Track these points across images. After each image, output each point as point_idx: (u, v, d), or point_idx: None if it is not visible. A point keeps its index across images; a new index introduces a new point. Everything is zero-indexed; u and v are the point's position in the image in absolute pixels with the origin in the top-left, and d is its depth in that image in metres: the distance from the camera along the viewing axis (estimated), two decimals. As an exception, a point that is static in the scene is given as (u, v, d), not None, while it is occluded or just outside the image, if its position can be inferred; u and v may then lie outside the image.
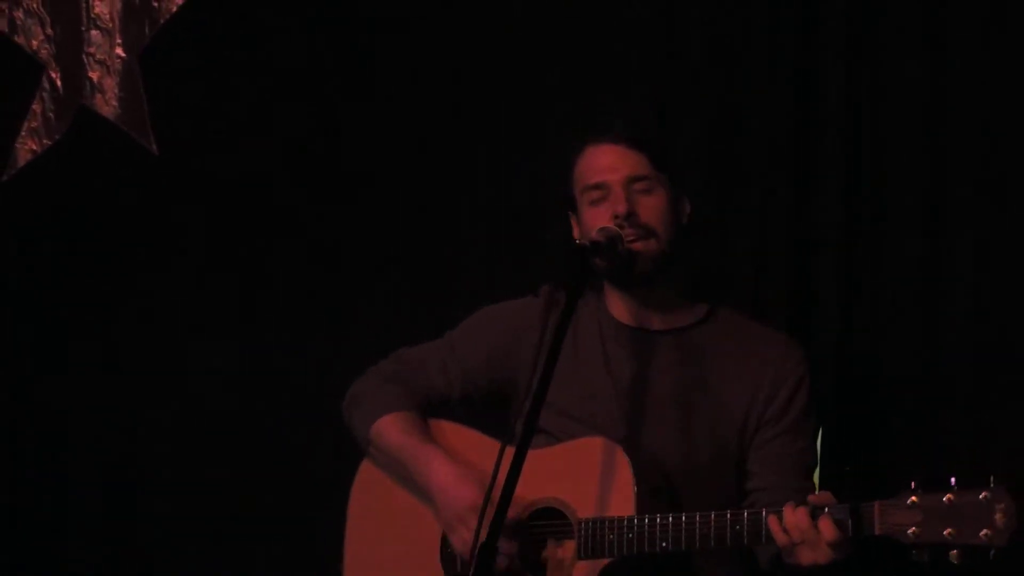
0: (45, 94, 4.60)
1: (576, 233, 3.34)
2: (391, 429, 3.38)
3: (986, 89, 3.71)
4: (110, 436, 4.59)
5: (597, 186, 3.25)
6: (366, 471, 3.46)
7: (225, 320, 4.52)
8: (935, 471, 3.52)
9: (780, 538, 2.93)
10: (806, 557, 2.92)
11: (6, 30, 4.60)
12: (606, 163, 3.26)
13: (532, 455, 2.94)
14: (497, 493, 2.89)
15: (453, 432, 3.41)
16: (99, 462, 4.59)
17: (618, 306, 3.34)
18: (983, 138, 3.71)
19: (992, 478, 2.71)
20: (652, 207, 3.24)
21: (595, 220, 3.23)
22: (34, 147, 4.60)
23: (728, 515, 2.99)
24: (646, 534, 3.05)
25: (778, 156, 3.90)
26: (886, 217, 3.80)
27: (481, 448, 3.30)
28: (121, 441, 4.58)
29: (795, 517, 2.91)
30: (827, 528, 2.87)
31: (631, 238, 3.20)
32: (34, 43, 4.60)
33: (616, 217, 3.20)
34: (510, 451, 2.91)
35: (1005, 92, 3.70)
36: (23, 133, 4.60)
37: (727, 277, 3.93)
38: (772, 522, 2.94)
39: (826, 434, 3.61)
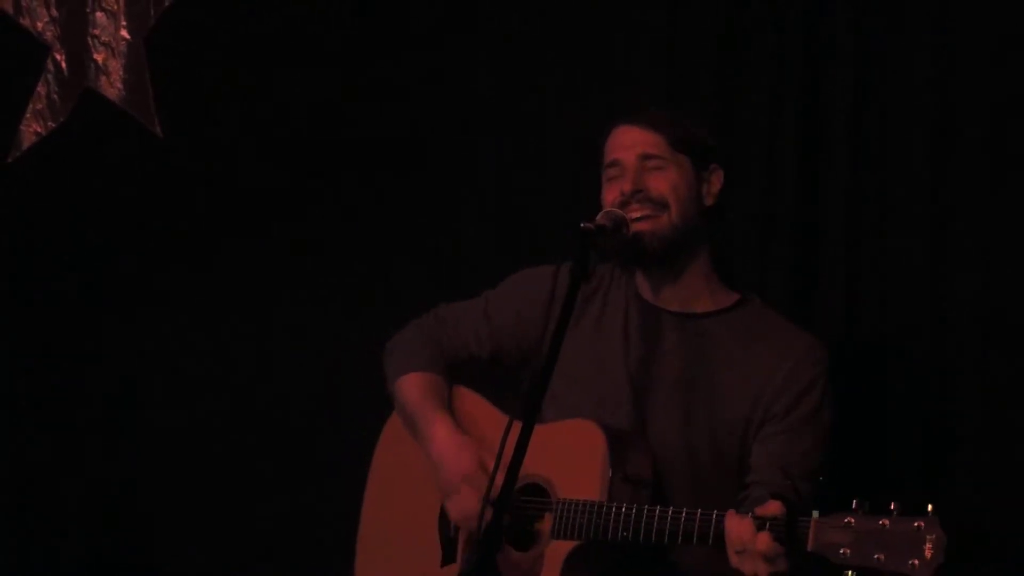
0: (50, 76, 4.63)
1: None
2: (410, 387, 3.46)
3: (991, 79, 3.67)
4: (113, 420, 4.63)
5: (613, 163, 3.32)
6: (391, 427, 3.54)
7: (229, 305, 4.54)
8: (937, 469, 3.64)
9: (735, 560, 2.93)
10: (747, 567, 2.91)
11: (11, 12, 4.64)
12: (622, 142, 3.33)
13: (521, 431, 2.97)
14: (501, 469, 2.93)
15: (471, 403, 3.46)
16: (101, 446, 4.63)
17: (643, 283, 3.37)
18: (988, 128, 3.67)
19: (930, 508, 2.68)
20: (664, 182, 3.27)
21: (608, 195, 3.30)
22: (39, 129, 4.64)
23: (683, 514, 3.00)
24: (610, 522, 3.08)
25: (781, 147, 3.87)
26: (890, 212, 3.76)
27: (492, 423, 3.35)
28: (125, 422, 4.63)
29: (739, 527, 2.90)
30: (762, 540, 2.86)
31: (637, 215, 3.23)
32: (39, 25, 4.63)
33: (623, 194, 3.25)
34: (517, 425, 2.95)
35: (1009, 83, 3.65)
36: (28, 115, 4.64)
37: (730, 273, 3.89)
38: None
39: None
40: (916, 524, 2.66)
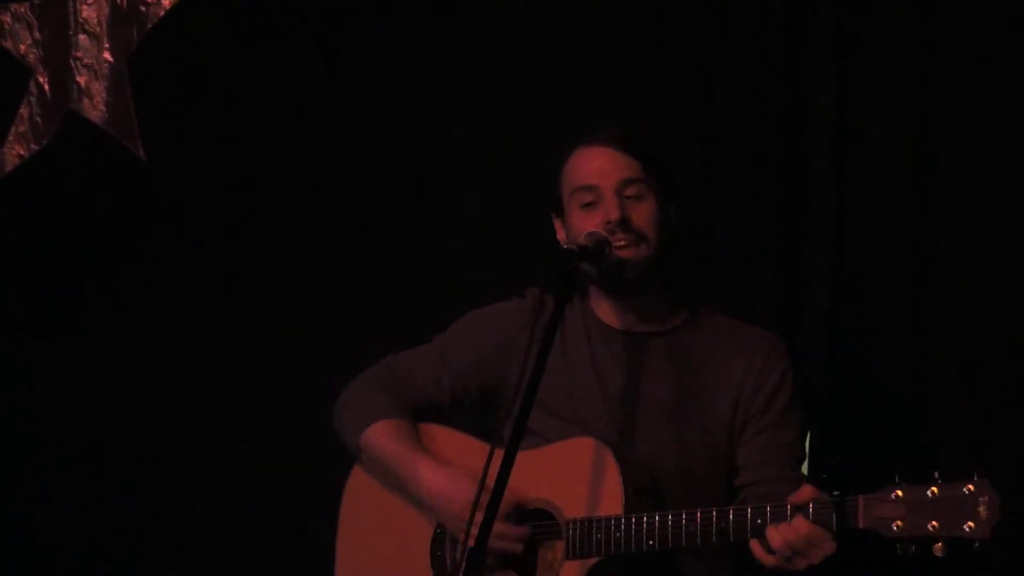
0: (33, 99, 4.60)
1: (561, 235, 3.34)
2: (381, 437, 3.38)
3: (975, 88, 3.75)
4: (99, 439, 4.58)
5: (588, 188, 3.25)
6: (356, 477, 3.47)
7: (212, 324, 4.51)
8: (923, 467, 3.63)
9: (771, 560, 2.96)
10: (799, 564, 2.93)
11: (-7, 35, 4.63)
12: (598, 166, 3.25)
13: (521, 456, 2.95)
14: (486, 495, 2.90)
15: (443, 436, 3.41)
16: (84, 469, 4.58)
17: (604, 310, 3.34)
18: (972, 137, 3.75)
19: (976, 471, 2.72)
20: (644, 213, 3.24)
21: (586, 224, 3.22)
22: (22, 152, 4.60)
23: (714, 513, 3.00)
24: (633, 533, 3.06)
25: (767, 156, 3.93)
26: (875, 218, 3.83)
27: (471, 451, 3.31)
28: (109, 445, 4.57)
29: (779, 535, 2.92)
30: (801, 525, 2.89)
31: (622, 243, 3.20)
32: (22, 47, 4.60)
33: (609, 223, 3.20)
34: (499, 453, 2.92)
35: (994, 91, 3.74)
36: (10, 138, 4.60)
37: (718, 277, 3.96)
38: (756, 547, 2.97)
39: (816, 431, 3.62)
40: (966, 488, 2.70)
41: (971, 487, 2.70)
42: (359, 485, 3.46)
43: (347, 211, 4.44)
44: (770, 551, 2.94)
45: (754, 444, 3.23)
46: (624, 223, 3.20)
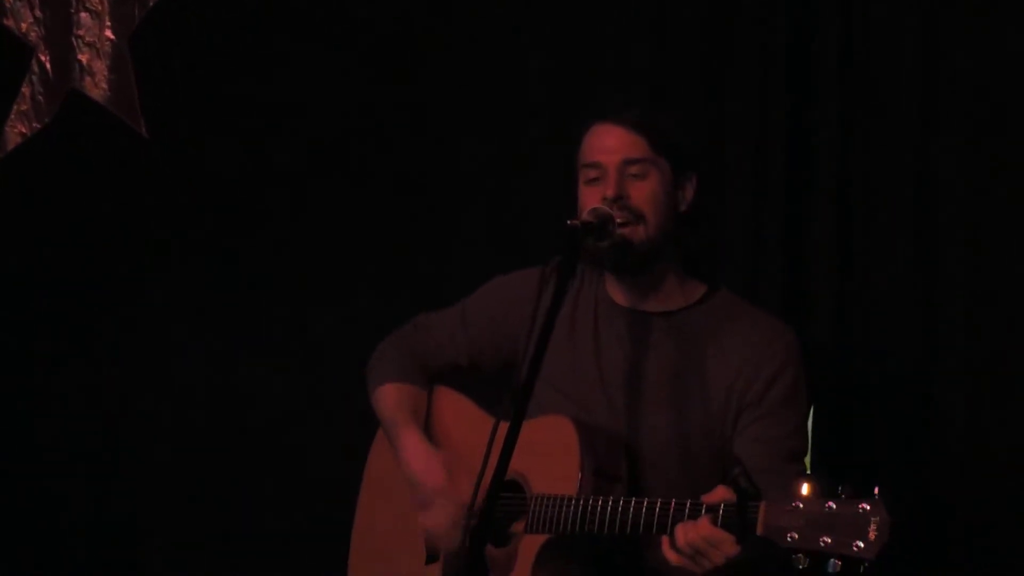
0: (34, 77, 4.64)
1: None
2: (385, 398, 3.48)
3: (980, 81, 3.69)
4: (101, 426, 4.63)
5: (593, 165, 3.28)
6: (380, 440, 3.56)
7: (217, 307, 4.54)
8: (926, 461, 3.68)
9: (675, 557, 2.93)
10: (703, 564, 2.90)
11: (-5, 13, 4.67)
12: (605, 143, 3.28)
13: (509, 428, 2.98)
14: (488, 468, 2.92)
15: (451, 404, 3.48)
16: (86, 455, 4.63)
17: (613, 286, 3.34)
18: (977, 131, 3.69)
19: (876, 490, 2.66)
20: (644, 192, 3.24)
21: (588, 200, 3.25)
22: (23, 130, 4.65)
23: (644, 504, 2.99)
24: (580, 515, 3.08)
25: (772, 141, 3.88)
26: (880, 206, 3.77)
27: (473, 422, 3.37)
28: (112, 432, 4.63)
29: (683, 533, 2.90)
30: (704, 527, 2.87)
31: (620, 220, 3.20)
32: (23, 26, 4.64)
33: (605, 199, 3.22)
34: (503, 425, 2.95)
35: (998, 90, 3.67)
36: (12, 116, 4.64)
37: (721, 265, 3.88)
38: (665, 543, 2.95)
39: (818, 424, 3.59)
40: (861, 507, 2.64)
41: (866, 506, 2.64)
42: (379, 447, 3.55)
43: (355, 192, 4.43)
44: (677, 548, 2.92)
45: (747, 434, 3.20)
46: (620, 200, 3.21)
